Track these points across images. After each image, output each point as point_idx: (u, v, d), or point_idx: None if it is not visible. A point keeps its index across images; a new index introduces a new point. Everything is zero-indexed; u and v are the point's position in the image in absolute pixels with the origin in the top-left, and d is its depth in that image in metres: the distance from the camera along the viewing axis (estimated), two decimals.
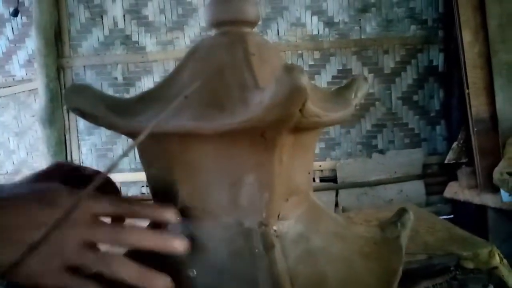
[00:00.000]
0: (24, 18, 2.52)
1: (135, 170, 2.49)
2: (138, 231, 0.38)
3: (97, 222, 0.37)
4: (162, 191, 0.46)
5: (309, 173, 0.51)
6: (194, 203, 0.44)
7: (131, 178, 2.49)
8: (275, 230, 0.43)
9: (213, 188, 0.43)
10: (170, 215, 0.39)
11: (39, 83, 2.44)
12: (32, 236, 0.32)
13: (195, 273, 0.41)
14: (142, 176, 2.44)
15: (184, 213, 0.44)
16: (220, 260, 0.41)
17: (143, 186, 2.50)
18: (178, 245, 0.38)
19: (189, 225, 0.44)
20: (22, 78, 2.63)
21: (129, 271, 0.36)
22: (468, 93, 2.14)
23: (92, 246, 0.37)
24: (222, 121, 0.36)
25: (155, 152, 0.45)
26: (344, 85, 0.52)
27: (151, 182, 0.48)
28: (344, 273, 0.46)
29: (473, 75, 2.14)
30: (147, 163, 0.48)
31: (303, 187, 0.49)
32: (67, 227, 0.34)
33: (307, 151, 0.49)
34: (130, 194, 2.50)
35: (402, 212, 0.54)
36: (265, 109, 0.34)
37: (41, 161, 2.55)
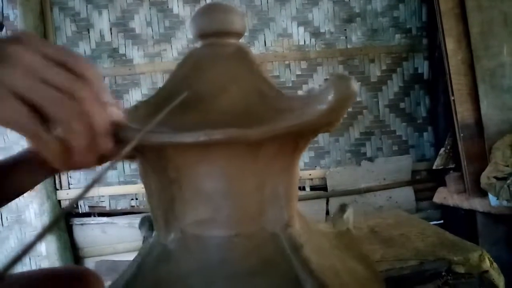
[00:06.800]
0: (9, 32, 2.50)
1: (124, 183, 2.46)
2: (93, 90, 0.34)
3: (51, 62, 0.33)
4: (162, 207, 0.45)
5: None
6: (204, 216, 0.43)
7: (120, 191, 2.46)
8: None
9: (230, 197, 0.42)
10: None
11: None
12: None
13: None
14: (131, 189, 2.41)
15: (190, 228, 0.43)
16: (249, 267, 0.41)
17: (132, 199, 2.47)
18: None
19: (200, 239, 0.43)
20: None
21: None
22: (453, 100, 2.17)
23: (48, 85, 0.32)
24: (263, 128, 0.37)
25: (155, 164, 0.44)
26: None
27: (149, 195, 0.47)
28: (340, 263, 0.48)
29: (457, 82, 2.17)
30: (144, 175, 0.47)
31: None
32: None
33: None
34: (119, 207, 2.47)
35: (343, 207, 0.63)
36: (324, 112, 0.37)
37: None
